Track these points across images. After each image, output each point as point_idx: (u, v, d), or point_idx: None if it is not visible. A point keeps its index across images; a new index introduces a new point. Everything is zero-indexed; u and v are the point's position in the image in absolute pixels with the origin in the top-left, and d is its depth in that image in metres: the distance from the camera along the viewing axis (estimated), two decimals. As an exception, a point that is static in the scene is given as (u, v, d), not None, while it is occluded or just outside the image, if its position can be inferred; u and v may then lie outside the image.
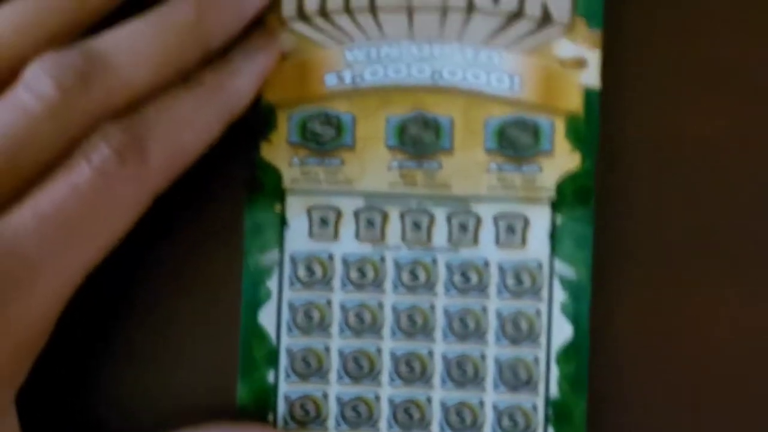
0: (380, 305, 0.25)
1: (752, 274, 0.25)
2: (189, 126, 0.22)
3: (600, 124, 0.24)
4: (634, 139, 0.25)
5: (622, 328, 0.25)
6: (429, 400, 0.25)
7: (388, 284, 0.25)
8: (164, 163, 0.22)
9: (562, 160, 0.24)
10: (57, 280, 0.21)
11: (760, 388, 0.25)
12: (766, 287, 0.25)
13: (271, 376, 0.25)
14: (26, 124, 0.21)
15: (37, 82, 0.21)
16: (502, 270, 0.24)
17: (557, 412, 0.24)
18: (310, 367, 0.25)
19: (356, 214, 0.25)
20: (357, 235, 0.25)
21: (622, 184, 0.25)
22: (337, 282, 0.25)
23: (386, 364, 0.25)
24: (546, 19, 0.24)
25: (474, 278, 0.24)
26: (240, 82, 0.23)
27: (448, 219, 0.24)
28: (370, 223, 0.25)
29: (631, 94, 0.25)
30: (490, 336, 0.24)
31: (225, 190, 0.25)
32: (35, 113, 0.21)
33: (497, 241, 0.24)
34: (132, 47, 0.22)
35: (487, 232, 0.24)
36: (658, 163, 0.25)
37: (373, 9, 0.24)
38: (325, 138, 0.24)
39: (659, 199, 0.25)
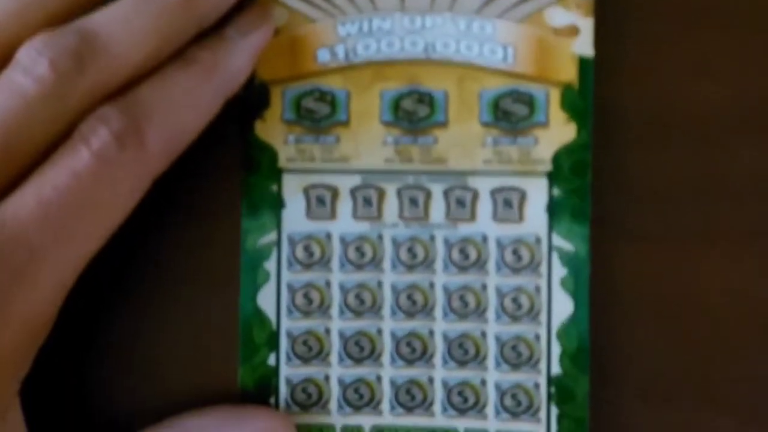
0: (379, 284, 0.24)
1: (751, 242, 0.24)
2: (186, 106, 0.22)
3: (594, 94, 0.24)
4: (630, 109, 0.24)
5: (622, 300, 0.25)
6: (431, 380, 0.24)
7: (386, 263, 0.24)
8: (163, 146, 0.22)
9: (558, 131, 0.24)
10: (60, 267, 0.21)
11: (761, 354, 0.24)
12: (765, 258, 0.24)
13: (272, 359, 0.24)
14: (21, 107, 0.20)
15: (32, 63, 0.21)
16: (500, 245, 0.24)
17: (560, 389, 0.24)
18: (311, 349, 0.24)
19: (353, 192, 0.24)
20: (354, 214, 0.24)
21: (618, 155, 0.24)
22: (335, 262, 0.24)
23: (387, 345, 0.24)
24: (538, -11, 0.24)
25: (473, 254, 0.24)
26: (236, 60, 0.23)
27: (445, 194, 0.24)
28: (367, 201, 0.24)
29: (624, 62, 0.24)
30: (490, 313, 0.24)
31: (221, 171, 0.25)
32: (30, 95, 0.20)
33: (495, 215, 0.24)
34: (126, 26, 0.21)
35: (484, 207, 0.24)
36: (654, 132, 0.25)
37: (363, -15, 0.24)
38: (320, 115, 0.24)
39: (656, 167, 0.24)
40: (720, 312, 0.24)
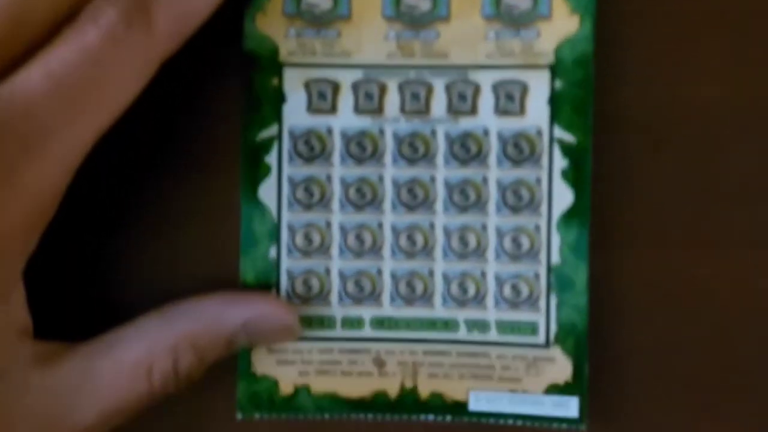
0: (380, 179, 0.24)
1: (752, 246, 0.25)
2: None
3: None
4: (629, 112, 0.25)
5: (622, 303, 0.25)
6: (431, 272, 0.25)
7: (387, 157, 0.24)
8: (171, 28, 0.21)
9: (561, 23, 0.24)
10: (68, 144, 0.21)
11: (761, 359, 0.25)
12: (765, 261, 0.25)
13: (272, 252, 0.25)
14: None
15: None
16: (501, 138, 0.24)
17: (559, 278, 0.24)
18: (312, 242, 0.25)
19: (354, 87, 0.24)
20: (356, 108, 0.24)
21: (618, 158, 0.25)
22: (336, 156, 0.24)
23: (388, 238, 0.25)
24: None
25: (473, 148, 0.24)
26: None
27: (447, 89, 0.24)
28: (368, 95, 0.24)
29: (624, 66, 0.25)
30: (491, 206, 0.24)
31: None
32: None
33: (496, 109, 0.24)
34: None
35: (486, 101, 0.24)
36: (653, 135, 0.25)
37: None
38: (321, 8, 0.24)
39: (655, 171, 0.25)
40: (720, 316, 0.25)
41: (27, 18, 0.20)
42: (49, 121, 0.20)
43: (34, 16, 0.20)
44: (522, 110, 0.24)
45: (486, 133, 0.24)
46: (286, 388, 0.25)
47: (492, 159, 0.24)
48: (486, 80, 0.24)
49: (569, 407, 0.24)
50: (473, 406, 0.24)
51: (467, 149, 0.24)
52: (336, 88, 0.24)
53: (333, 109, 0.24)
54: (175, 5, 0.21)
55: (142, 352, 0.22)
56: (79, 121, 0.21)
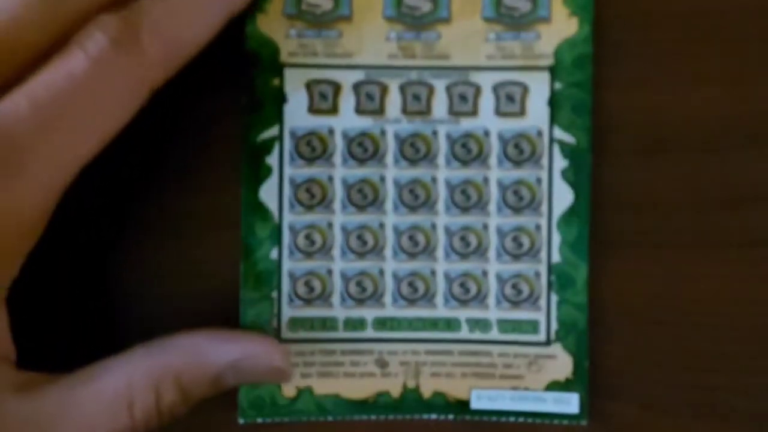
0: (382, 179, 0.25)
1: (749, 250, 0.25)
2: (188, 17, 0.22)
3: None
4: (627, 118, 0.25)
5: (620, 309, 0.25)
6: (433, 272, 0.25)
7: (389, 158, 0.25)
8: (161, 55, 0.21)
9: (560, 26, 0.24)
10: (49, 168, 0.20)
11: (761, 364, 0.25)
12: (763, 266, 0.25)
13: (274, 253, 0.24)
14: (21, 6, 0.20)
15: None
16: (502, 139, 0.24)
17: (560, 277, 0.24)
18: (314, 243, 0.25)
19: (355, 88, 0.24)
20: (357, 109, 0.24)
21: (615, 164, 0.25)
22: (338, 157, 0.24)
23: (390, 239, 0.25)
24: None
25: (474, 149, 0.25)
26: None
27: (448, 90, 0.24)
28: (370, 96, 0.24)
29: (622, 72, 0.25)
30: (492, 206, 0.25)
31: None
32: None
33: (497, 110, 0.24)
34: None
35: (486, 102, 0.24)
36: (650, 141, 0.25)
37: None
38: (322, 9, 0.24)
39: (652, 176, 0.25)
40: (718, 321, 0.25)
41: (17, 43, 0.20)
42: (29, 145, 0.20)
43: (24, 41, 0.20)
44: (522, 111, 0.24)
45: (487, 133, 0.24)
46: (288, 390, 0.24)
47: (493, 159, 0.25)
48: (487, 81, 0.24)
49: (570, 403, 0.24)
50: (475, 404, 0.25)
51: (468, 150, 0.24)
52: (337, 88, 0.24)
53: (334, 109, 0.24)
54: (166, 32, 0.21)
55: (123, 386, 0.21)
56: (62, 146, 0.20)
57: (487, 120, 0.24)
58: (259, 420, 0.24)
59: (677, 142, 0.25)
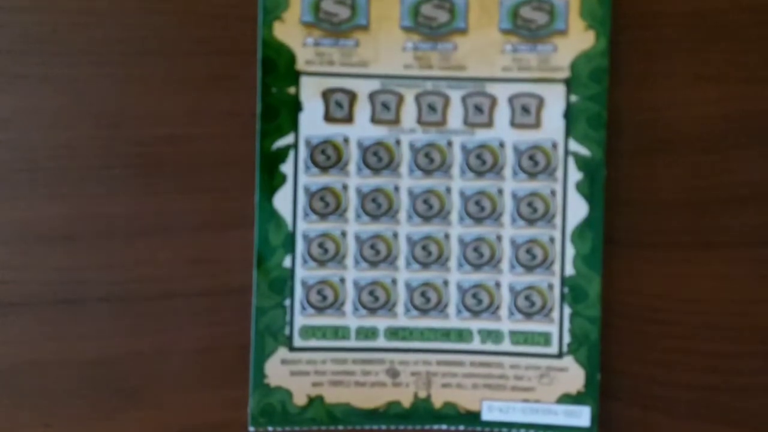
0: (396, 189, 0.25)
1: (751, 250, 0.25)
2: None
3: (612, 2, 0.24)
4: (630, 119, 0.25)
5: (624, 310, 0.25)
6: (446, 283, 0.25)
7: (403, 168, 0.25)
8: None
9: (577, 38, 0.24)
10: None
11: (762, 364, 0.25)
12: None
13: (287, 261, 0.24)
14: None
15: None
16: (517, 150, 0.24)
17: (573, 289, 0.24)
18: (327, 252, 0.24)
19: (371, 97, 0.24)
20: (372, 118, 0.24)
21: (619, 165, 0.25)
22: (352, 166, 0.24)
23: (403, 249, 0.25)
24: None
25: (489, 160, 0.25)
26: None
27: (463, 100, 0.24)
28: (386, 105, 0.24)
29: (627, 74, 0.25)
30: (506, 217, 0.25)
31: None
32: None
33: (512, 121, 0.24)
34: None
35: (502, 113, 0.24)
36: (653, 142, 0.25)
37: None
38: (340, 18, 0.24)
39: (655, 177, 0.25)
40: (718, 321, 0.25)
41: None
42: None
43: None
44: (538, 123, 0.24)
45: (502, 145, 0.24)
46: (299, 399, 0.24)
47: (507, 171, 0.25)
48: (502, 93, 0.24)
49: (582, 416, 0.24)
50: (486, 415, 0.25)
51: (483, 161, 0.24)
52: (353, 97, 0.24)
53: (350, 118, 0.24)
54: None
55: None
56: None
57: (502, 131, 0.24)
58: (270, 428, 0.24)
59: (678, 142, 0.25)
